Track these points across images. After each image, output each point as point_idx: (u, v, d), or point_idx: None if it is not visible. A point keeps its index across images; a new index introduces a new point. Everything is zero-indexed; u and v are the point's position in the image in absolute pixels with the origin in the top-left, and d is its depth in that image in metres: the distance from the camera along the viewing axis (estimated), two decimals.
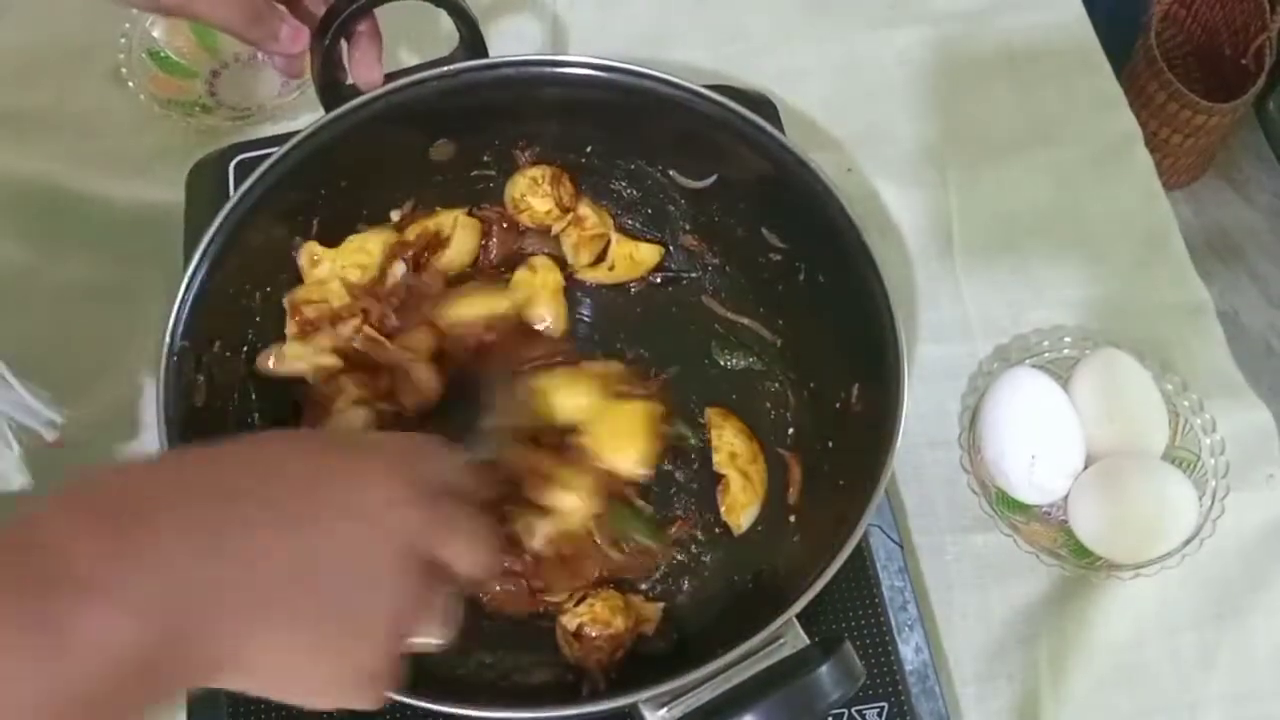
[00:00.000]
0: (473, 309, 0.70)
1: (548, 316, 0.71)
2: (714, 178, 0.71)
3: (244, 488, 0.41)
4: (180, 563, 0.38)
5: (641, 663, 0.63)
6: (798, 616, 0.53)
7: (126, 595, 0.36)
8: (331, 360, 0.67)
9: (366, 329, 0.68)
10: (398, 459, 0.46)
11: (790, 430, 0.70)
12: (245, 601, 0.39)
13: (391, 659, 0.43)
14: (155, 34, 0.86)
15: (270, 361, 0.68)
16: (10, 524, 0.37)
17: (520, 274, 0.73)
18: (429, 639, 0.45)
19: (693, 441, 0.69)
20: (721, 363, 0.73)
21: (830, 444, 0.67)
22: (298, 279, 0.69)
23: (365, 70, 0.67)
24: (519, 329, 0.71)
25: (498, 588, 0.63)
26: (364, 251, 0.70)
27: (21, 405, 0.63)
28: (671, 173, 0.72)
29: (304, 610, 0.40)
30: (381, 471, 0.44)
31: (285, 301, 0.69)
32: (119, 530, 0.37)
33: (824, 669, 0.50)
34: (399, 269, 0.70)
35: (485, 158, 0.73)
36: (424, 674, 0.60)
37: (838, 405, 0.65)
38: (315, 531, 0.41)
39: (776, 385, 0.72)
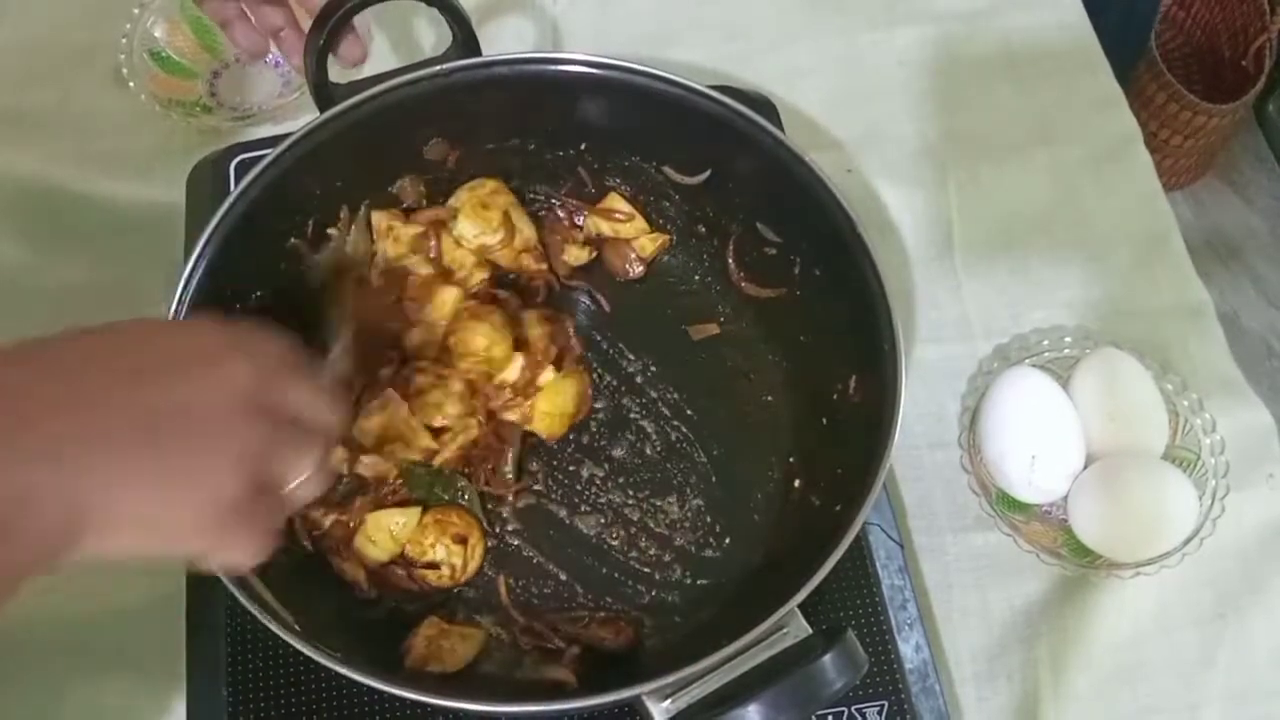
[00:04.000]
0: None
1: None
2: (708, 173, 0.71)
3: (88, 358, 0.43)
4: (26, 422, 0.39)
5: (645, 655, 0.63)
6: (799, 610, 0.53)
7: None
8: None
9: None
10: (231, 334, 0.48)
11: (789, 422, 0.70)
12: (92, 455, 0.41)
13: (250, 495, 0.44)
14: (156, 34, 0.86)
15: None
16: None
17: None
18: (296, 480, 0.48)
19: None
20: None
21: (828, 433, 0.67)
22: (297, 277, 0.69)
23: (348, 49, 0.69)
24: None
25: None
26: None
27: None
28: (666, 169, 0.72)
29: (148, 455, 0.42)
30: (216, 338, 0.47)
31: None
32: None
33: (827, 658, 0.50)
34: None
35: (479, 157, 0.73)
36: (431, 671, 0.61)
37: (835, 396, 0.65)
38: (154, 389, 0.43)
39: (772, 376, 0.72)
